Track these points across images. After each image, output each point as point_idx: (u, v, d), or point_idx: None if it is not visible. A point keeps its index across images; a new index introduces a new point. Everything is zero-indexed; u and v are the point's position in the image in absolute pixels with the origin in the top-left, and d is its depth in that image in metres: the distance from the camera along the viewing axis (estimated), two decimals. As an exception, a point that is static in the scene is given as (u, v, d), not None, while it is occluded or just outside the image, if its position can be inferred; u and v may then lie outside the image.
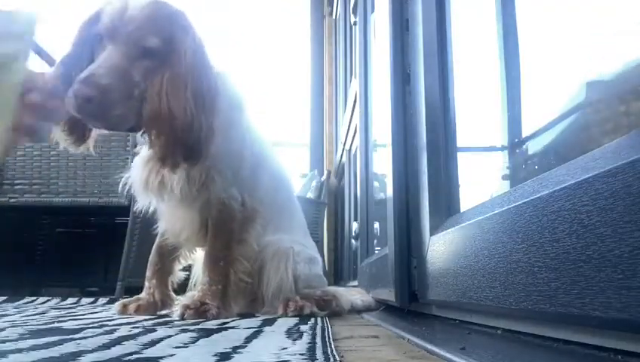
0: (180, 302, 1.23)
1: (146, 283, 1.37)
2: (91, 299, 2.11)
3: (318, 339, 0.76)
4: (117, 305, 1.33)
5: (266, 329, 0.98)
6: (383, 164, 1.36)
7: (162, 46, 1.05)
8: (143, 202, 1.31)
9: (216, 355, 0.61)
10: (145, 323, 1.09)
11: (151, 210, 1.36)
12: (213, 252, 1.26)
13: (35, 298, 2.14)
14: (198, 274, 1.45)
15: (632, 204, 0.37)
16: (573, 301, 0.45)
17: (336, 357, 0.60)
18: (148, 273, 1.38)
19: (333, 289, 1.49)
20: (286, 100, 4.65)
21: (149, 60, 1.04)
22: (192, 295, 1.25)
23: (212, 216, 1.27)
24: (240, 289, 1.29)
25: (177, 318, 1.14)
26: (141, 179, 1.22)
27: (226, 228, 1.27)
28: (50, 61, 2.31)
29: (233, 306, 1.26)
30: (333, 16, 4.23)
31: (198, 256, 1.46)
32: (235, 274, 1.27)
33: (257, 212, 1.34)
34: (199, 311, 1.16)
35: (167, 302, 1.37)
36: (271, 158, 1.49)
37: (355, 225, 2.62)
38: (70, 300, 2.06)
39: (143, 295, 1.36)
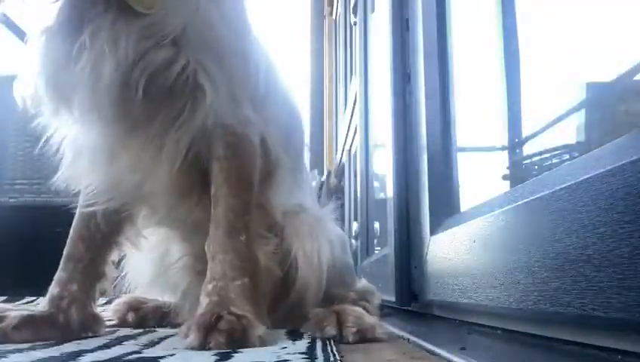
0: (187, 318, 0.77)
1: (56, 290, 0.83)
2: (91, 299, 2.11)
3: (318, 339, 0.76)
4: None
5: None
6: (383, 164, 1.36)
7: None
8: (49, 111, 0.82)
9: (216, 355, 0.61)
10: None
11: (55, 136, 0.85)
12: (228, 216, 0.75)
13: (35, 298, 2.14)
14: (141, 273, 1.01)
15: (632, 204, 0.37)
16: (573, 301, 0.45)
17: (337, 356, 0.60)
18: (63, 274, 0.85)
19: (364, 283, 1.05)
20: (286, 100, 4.65)
21: None
22: (209, 300, 0.71)
23: (218, 154, 0.77)
24: (268, 284, 0.82)
25: (188, 346, 0.65)
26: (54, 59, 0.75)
27: (246, 175, 0.79)
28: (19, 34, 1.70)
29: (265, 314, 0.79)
30: (333, 16, 4.22)
31: (145, 245, 0.93)
32: (265, 256, 0.80)
33: (280, 161, 0.88)
34: (234, 331, 0.66)
35: (89, 322, 0.82)
36: (281, 83, 1.00)
37: (355, 225, 2.62)
38: (70, 300, 2.06)
39: (43, 307, 0.81)
